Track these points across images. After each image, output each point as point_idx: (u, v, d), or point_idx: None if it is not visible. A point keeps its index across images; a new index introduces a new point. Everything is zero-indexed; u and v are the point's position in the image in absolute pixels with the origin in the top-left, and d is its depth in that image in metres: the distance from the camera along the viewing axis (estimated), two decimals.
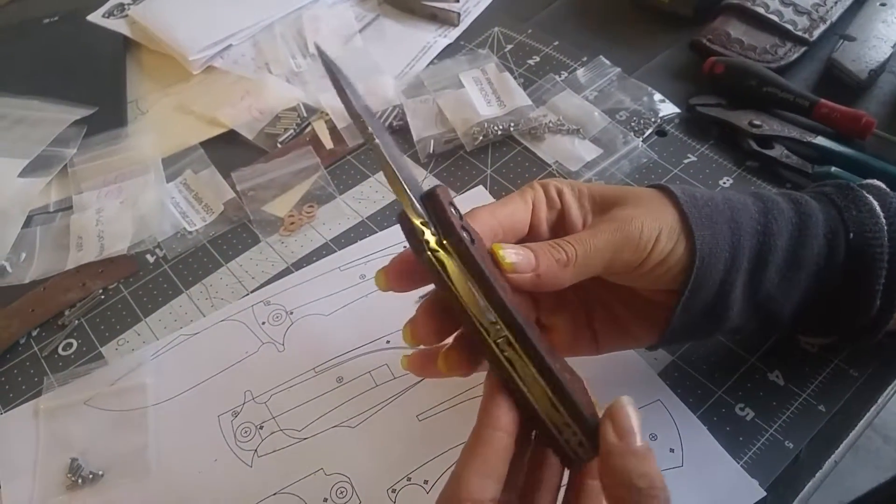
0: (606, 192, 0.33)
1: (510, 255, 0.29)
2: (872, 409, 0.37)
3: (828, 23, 0.53)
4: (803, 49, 0.52)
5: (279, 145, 0.53)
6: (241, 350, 0.42)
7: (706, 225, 0.31)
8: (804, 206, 0.33)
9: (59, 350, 0.43)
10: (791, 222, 0.33)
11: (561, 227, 0.33)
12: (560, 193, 0.33)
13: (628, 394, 0.38)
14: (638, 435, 0.26)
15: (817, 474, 0.35)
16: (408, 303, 0.45)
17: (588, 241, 0.30)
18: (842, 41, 0.52)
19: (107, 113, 0.57)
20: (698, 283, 0.31)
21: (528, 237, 0.33)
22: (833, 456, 0.36)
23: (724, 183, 0.46)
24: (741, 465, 0.35)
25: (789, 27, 0.53)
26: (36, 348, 0.44)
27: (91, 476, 0.38)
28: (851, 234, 0.33)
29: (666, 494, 0.25)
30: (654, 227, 0.30)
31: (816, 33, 0.53)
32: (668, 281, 0.32)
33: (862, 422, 0.36)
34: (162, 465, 0.38)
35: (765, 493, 0.34)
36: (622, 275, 0.31)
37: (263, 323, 0.43)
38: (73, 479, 0.37)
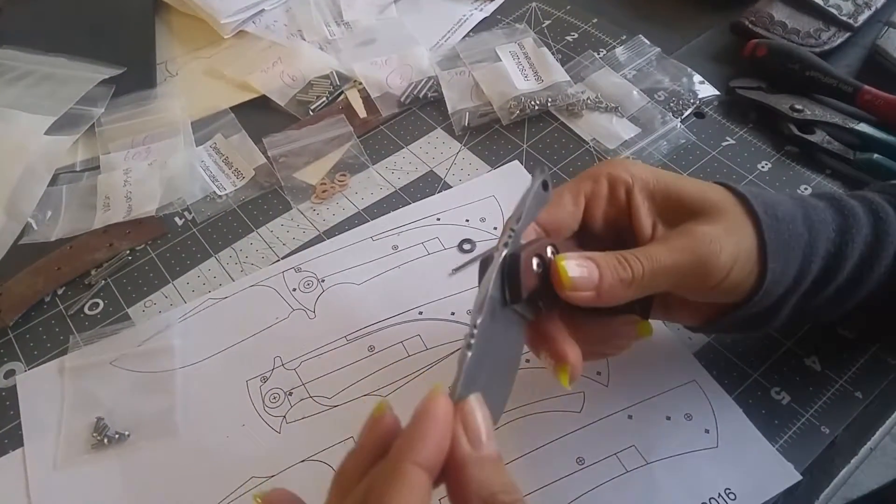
0: (676, 191, 0.31)
1: (572, 268, 0.27)
2: None
3: (872, 9, 0.52)
4: (847, 34, 0.51)
5: (311, 112, 0.52)
6: (272, 316, 0.41)
7: (781, 254, 0.29)
8: (883, 223, 0.31)
9: (86, 309, 0.43)
10: (865, 242, 0.31)
11: (622, 222, 0.31)
12: (628, 190, 0.30)
13: (664, 375, 0.38)
14: (491, 441, 0.23)
15: (852, 460, 0.35)
16: (441, 275, 0.45)
17: (657, 259, 0.28)
18: (886, 28, 0.51)
19: (135, 74, 0.56)
20: (755, 304, 0.30)
21: (580, 231, 0.31)
22: (869, 443, 0.35)
23: (763, 167, 0.46)
24: (777, 448, 0.34)
25: (834, 12, 0.52)
26: (61, 307, 0.43)
27: (117, 436, 0.37)
28: None
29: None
30: (732, 253, 0.28)
31: (861, 19, 0.52)
32: (734, 295, 0.30)
33: None
34: (189, 427, 0.38)
35: (800, 477, 0.33)
36: (684, 290, 0.30)
37: (294, 290, 0.42)
38: (98, 438, 0.37)
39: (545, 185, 0.28)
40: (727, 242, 0.28)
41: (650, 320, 0.33)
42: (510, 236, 0.26)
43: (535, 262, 0.27)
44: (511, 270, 0.26)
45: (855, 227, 0.31)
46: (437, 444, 0.22)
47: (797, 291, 0.31)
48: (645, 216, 0.30)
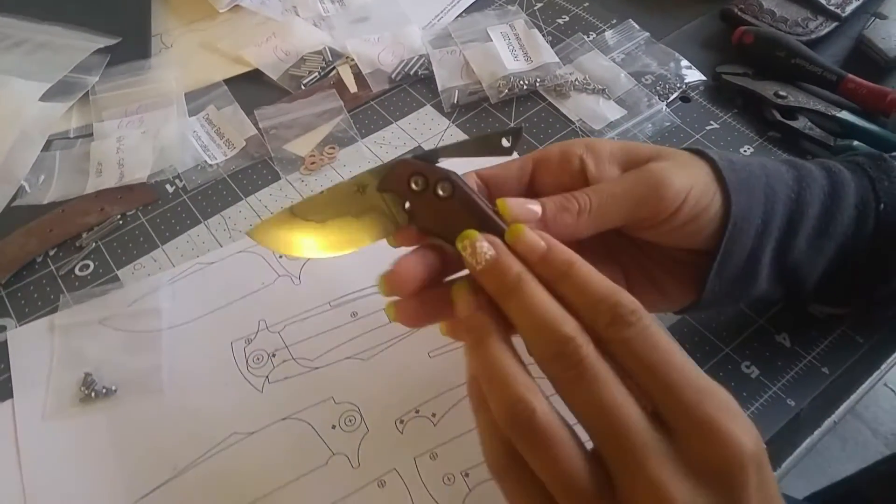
0: (636, 150, 0.32)
1: (511, 203, 0.28)
2: (875, 374, 0.38)
3: None
4: (834, 24, 0.52)
5: (303, 87, 0.53)
6: (258, 281, 0.42)
7: (742, 189, 0.30)
8: (837, 175, 0.33)
9: (76, 270, 0.44)
10: (823, 191, 0.32)
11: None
12: (582, 160, 0.31)
13: None
14: None
15: (815, 432, 0.36)
16: None
17: (605, 189, 0.29)
18: (873, 19, 0.52)
19: (130, 44, 0.56)
20: (730, 247, 0.30)
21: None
22: (833, 416, 0.36)
23: (745, 151, 0.46)
24: None
25: (822, 1, 0.52)
26: (53, 267, 0.44)
27: (104, 391, 0.38)
28: (882, 205, 0.32)
29: None
30: (685, 182, 0.29)
31: (849, 9, 0.53)
32: (699, 240, 0.31)
33: (864, 386, 0.37)
34: (174, 384, 0.39)
35: (763, 447, 0.34)
36: (650, 230, 0.30)
37: (280, 256, 0.43)
38: (86, 392, 0.38)
39: (508, 138, 0.30)
40: (679, 173, 0.30)
41: None
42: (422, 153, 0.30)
43: (418, 180, 0.29)
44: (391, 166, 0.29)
45: (809, 177, 0.32)
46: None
47: (768, 235, 0.31)
48: (600, 176, 0.31)
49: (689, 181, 0.30)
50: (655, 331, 0.24)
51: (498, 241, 0.27)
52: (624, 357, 0.24)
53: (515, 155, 0.32)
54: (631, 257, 0.34)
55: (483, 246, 0.27)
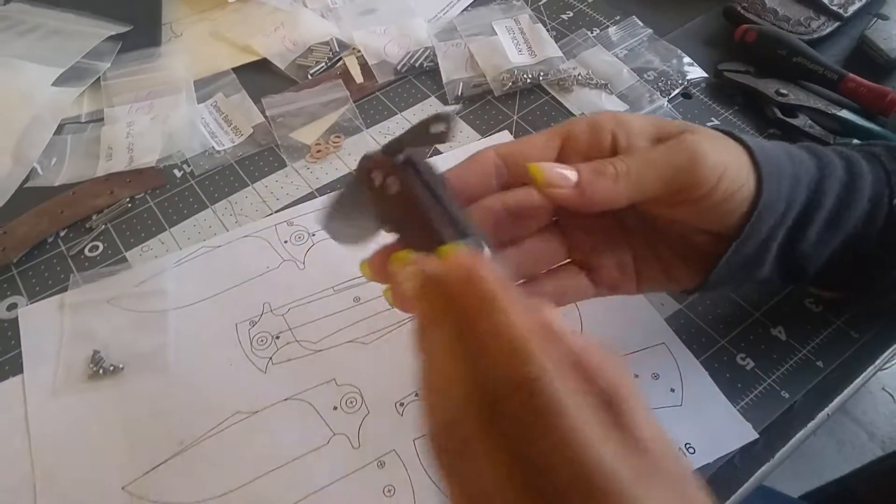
0: (667, 125, 0.30)
1: (545, 168, 0.26)
2: (870, 368, 0.38)
3: (863, 0, 0.54)
4: (836, 24, 0.53)
5: (310, 77, 0.54)
6: (263, 265, 0.43)
7: (773, 177, 0.30)
8: (855, 167, 0.33)
9: (86, 251, 0.45)
10: (840, 182, 0.32)
11: None
12: (613, 134, 0.29)
13: (635, 336, 0.40)
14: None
15: (809, 424, 0.36)
16: None
17: (644, 155, 0.28)
18: (875, 19, 0.52)
19: (141, 32, 0.57)
20: (750, 232, 0.30)
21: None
22: (826, 409, 0.37)
23: None
24: (737, 409, 0.36)
25: (825, 1, 0.53)
26: (63, 248, 0.45)
27: (112, 368, 0.39)
28: (895, 201, 0.32)
29: None
30: (722, 158, 0.28)
31: (851, 9, 0.53)
32: (725, 222, 0.30)
33: (858, 380, 0.38)
34: (179, 364, 0.39)
35: (757, 436, 0.35)
36: (684, 205, 0.29)
37: (286, 242, 0.44)
38: (94, 369, 0.39)
39: (439, 124, 0.26)
40: (715, 148, 0.28)
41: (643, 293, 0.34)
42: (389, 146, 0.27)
43: (377, 174, 0.27)
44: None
45: (829, 167, 0.32)
46: None
47: (783, 224, 0.31)
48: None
49: (725, 158, 0.29)
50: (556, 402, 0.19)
51: (423, 274, 0.23)
52: (514, 433, 0.20)
53: (473, 147, 0.31)
54: (643, 237, 0.33)
55: (406, 274, 0.24)
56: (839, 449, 1.09)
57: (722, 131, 0.31)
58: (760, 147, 0.30)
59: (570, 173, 0.27)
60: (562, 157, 0.30)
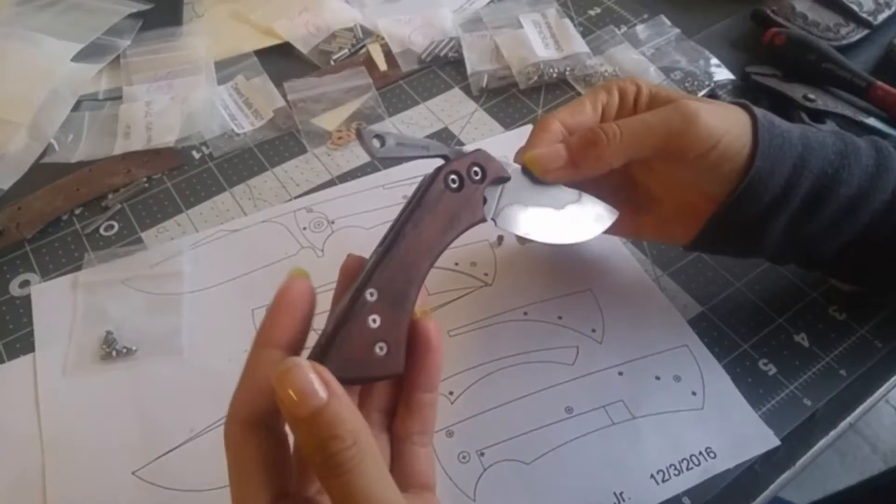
0: (675, 91, 0.34)
1: (537, 155, 0.30)
2: (893, 378, 0.38)
3: (892, 9, 0.53)
4: (865, 31, 0.52)
5: (333, 62, 0.53)
6: (281, 251, 0.43)
7: (770, 156, 0.31)
8: (886, 159, 0.33)
9: (101, 230, 0.44)
10: (866, 171, 0.32)
11: None
12: (636, 98, 0.34)
13: (657, 337, 0.39)
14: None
15: (831, 433, 0.36)
16: None
17: (639, 119, 0.31)
18: None
19: (162, 11, 0.56)
20: (737, 206, 0.32)
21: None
22: (849, 418, 0.37)
23: None
24: (759, 416, 0.36)
25: (855, 8, 0.53)
26: (78, 226, 0.44)
27: (125, 350, 0.38)
28: None
29: None
30: (720, 125, 0.31)
31: (881, 17, 0.53)
32: (722, 186, 0.32)
33: (881, 390, 0.37)
34: (193, 348, 0.39)
35: (779, 443, 0.35)
36: (680, 164, 0.32)
37: (304, 228, 0.44)
38: (107, 350, 0.38)
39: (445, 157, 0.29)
40: (715, 114, 0.31)
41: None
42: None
43: (452, 176, 0.29)
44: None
45: (854, 155, 0.33)
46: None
47: (785, 207, 0.32)
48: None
49: (724, 125, 0.31)
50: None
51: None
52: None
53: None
54: (647, 183, 0.36)
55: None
56: (842, 461, 1.08)
57: (739, 102, 0.34)
58: (770, 124, 0.32)
59: (560, 150, 0.32)
60: (604, 118, 0.35)
